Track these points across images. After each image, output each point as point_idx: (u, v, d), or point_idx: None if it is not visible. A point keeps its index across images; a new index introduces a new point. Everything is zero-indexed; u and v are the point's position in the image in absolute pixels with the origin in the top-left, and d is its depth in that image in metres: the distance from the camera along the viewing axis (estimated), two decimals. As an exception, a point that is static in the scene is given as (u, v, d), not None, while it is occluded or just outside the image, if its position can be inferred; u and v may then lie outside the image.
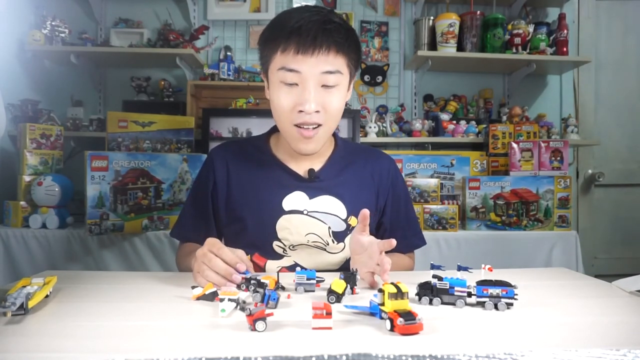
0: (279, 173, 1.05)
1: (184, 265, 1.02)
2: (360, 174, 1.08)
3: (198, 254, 0.80)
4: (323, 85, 0.93)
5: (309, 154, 1.01)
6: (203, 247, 0.81)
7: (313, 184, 1.04)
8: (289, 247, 1.02)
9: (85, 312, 0.64)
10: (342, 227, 1.02)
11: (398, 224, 1.10)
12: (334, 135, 1.12)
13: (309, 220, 1.01)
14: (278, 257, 1.03)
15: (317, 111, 0.94)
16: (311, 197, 1.03)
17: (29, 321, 0.59)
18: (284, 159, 1.07)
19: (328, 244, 1.02)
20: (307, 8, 0.96)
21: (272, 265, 1.03)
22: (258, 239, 1.03)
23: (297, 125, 0.95)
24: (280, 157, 1.07)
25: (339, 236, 1.02)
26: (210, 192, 1.08)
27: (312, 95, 0.92)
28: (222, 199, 1.07)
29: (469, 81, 2.64)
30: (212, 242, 0.80)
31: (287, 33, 0.90)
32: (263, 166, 1.07)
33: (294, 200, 1.02)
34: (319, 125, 0.96)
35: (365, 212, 0.83)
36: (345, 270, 0.89)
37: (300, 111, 0.93)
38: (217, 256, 0.78)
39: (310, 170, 1.04)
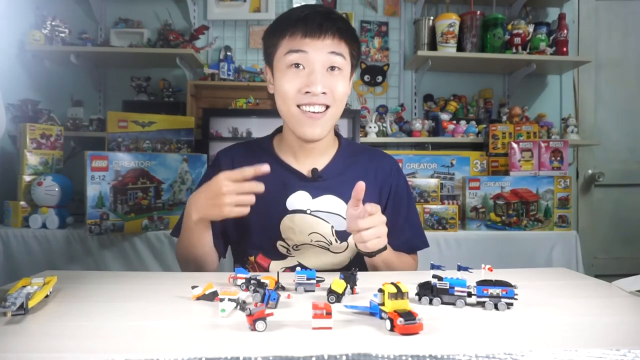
0: (282, 173, 1.05)
1: (186, 241, 1.01)
2: (363, 173, 1.09)
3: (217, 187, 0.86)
4: (328, 70, 0.96)
5: (315, 139, 1.00)
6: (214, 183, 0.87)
7: (316, 184, 1.04)
8: (292, 247, 1.02)
9: (85, 312, 0.64)
10: (345, 226, 1.02)
11: (398, 225, 1.10)
12: (338, 135, 1.13)
13: (312, 220, 1.02)
14: (282, 257, 1.03)
15: (324, 93, 0.95)
16: (314, 196, 1.03)
17: (29, 321, 0.59)
18: (287, 158, 1.07)
19: (331, 244, 1.02)
20: (310, 4, 1.03)
21: (275, 266, 1.03)
22: (262, 239, 1.03)
23: (301, 106, 0.96)
24: (283, 157, 1.08)
25: (342, 235, 1.03)
26: None
27: (318, 77, 0.94)
28: None
29: (469, 81, 2.64)
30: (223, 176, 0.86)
31: (294, 21, 0.95)
32: None
33: (298, 199, 1.02)
34: (327, 107, 0.97)
35: (361, 185, 0.85)
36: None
37: (307, 92, 0.95)
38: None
39: (314, 170, 1.05)
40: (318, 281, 0.77)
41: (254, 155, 1.10)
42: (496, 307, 0.65)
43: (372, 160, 1.12)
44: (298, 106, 0.97)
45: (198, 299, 0.69)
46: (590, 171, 2.71)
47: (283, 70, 0.97)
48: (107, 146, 1.96)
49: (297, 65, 0.95)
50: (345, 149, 1.11)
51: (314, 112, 0.96)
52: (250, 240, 1.03)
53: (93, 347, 0.50)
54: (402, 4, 2.62)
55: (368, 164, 1.11)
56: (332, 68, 0.96)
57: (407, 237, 1.09)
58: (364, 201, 1.05)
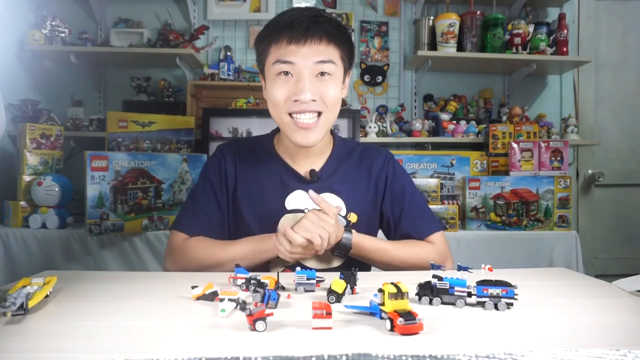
0: (281, 172, 1.06)
1: (224, 255, 0.98)
2: (357, 169, 1.10)
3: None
4: (317, 76, 0.95)
5: (309, 146, 1.00)
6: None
7: (314, 184, 1.05)
8: None
9: (85, 312, 0.64)
10: (341, 223, 1.03)
11: (403, 210, 1.09)
12: (333, 134, 1.14)
13: None
14: None
15: (314, 100, 0.95)
16: None
17: (29, 321, 0.59)
18: (286, 158, 1.08)
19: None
20: (299, 7, 1.00)
21: (275, 264, 1.03)
22: None
23: (292, 114, 0.96)
24: (282, 156, 1.08)
25: None
26: (224, 184, 1.07)
27: (307, 85, 0.93)
28: (230, 194, 1.08)
29: (469, 81, 2.64)
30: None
31: (279, 27, 0.94)
32: (267, 165, 1.08)
33: (296, 199, 1.04)
34: (319, 113, 0.97)
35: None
36: (346, 269, 0.89)
37: (296, 100, 0.94)
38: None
39: (312, 172, 1.05)
40: (318, 281, 0.77)
41: (255, 153, 1.11)
42: (496, 307, 0.65)
43: (365, 155, 1.13)
44: (290, 114, 0.97)
45: (198, 299, 0.69)
46: (590, 171, 2.71)
47: (272, 78, 0.97)
48: (107, 146, 1.95)
49: (285, 72, 0.95)
50: (339, 148, 1.12)
51: (306, 122, 0.96)
52: None
53: (93, 347, 0.50)
54: (402, 4, 2.62)
55: (361, 160, 1.12)
56: (322, 74, 0.95)
57: (414, 223, 1.08)
58: (361, 196, 1.07)
